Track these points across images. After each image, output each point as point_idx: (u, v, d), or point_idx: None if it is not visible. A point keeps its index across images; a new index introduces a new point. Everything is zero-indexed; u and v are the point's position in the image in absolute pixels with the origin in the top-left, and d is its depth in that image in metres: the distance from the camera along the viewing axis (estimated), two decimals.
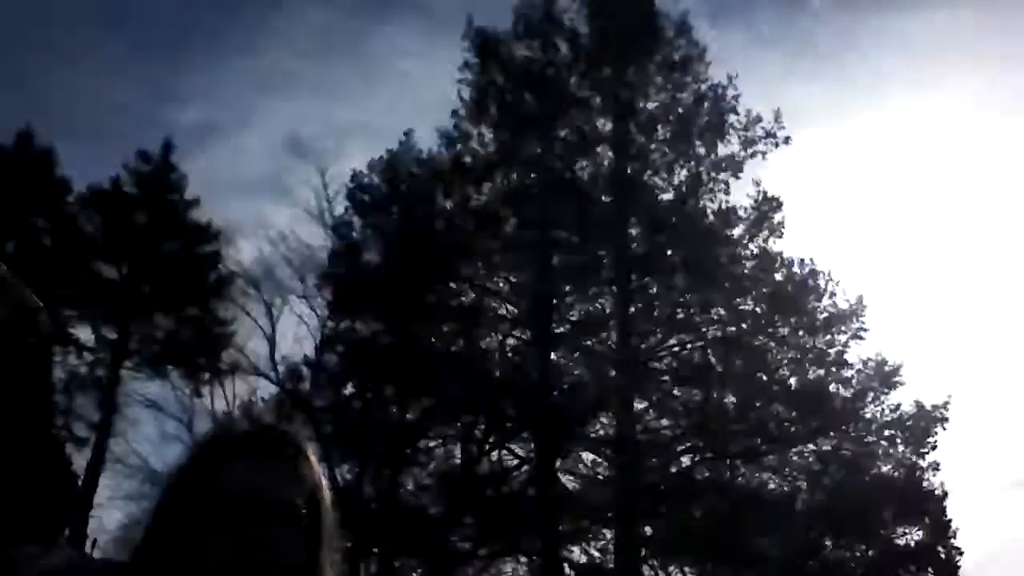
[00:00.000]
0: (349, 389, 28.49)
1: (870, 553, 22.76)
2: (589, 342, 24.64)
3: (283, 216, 40.86)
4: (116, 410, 31.95)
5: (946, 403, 22.90)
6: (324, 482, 1.40)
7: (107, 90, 47.37)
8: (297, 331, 40.89)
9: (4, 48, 45.54)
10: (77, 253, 33.39)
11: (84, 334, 33.50)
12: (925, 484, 22.77)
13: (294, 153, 37.32)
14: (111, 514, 33.67)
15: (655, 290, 23.99)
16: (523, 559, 24.95)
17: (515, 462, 26.64)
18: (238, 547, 1.26)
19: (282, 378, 29.25)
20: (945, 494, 22.74)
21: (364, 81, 49.35)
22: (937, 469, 22.93)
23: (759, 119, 24.40)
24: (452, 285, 25.28)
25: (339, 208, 27.03)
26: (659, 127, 25.14)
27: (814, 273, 23.68)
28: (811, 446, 23.11)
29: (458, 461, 27.69)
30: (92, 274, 33.68)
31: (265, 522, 1.28)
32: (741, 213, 23.95)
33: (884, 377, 23.07)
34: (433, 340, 25.75)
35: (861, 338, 23.51)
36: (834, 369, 23.40)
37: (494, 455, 27.04)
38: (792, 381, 23.41)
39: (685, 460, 23.29)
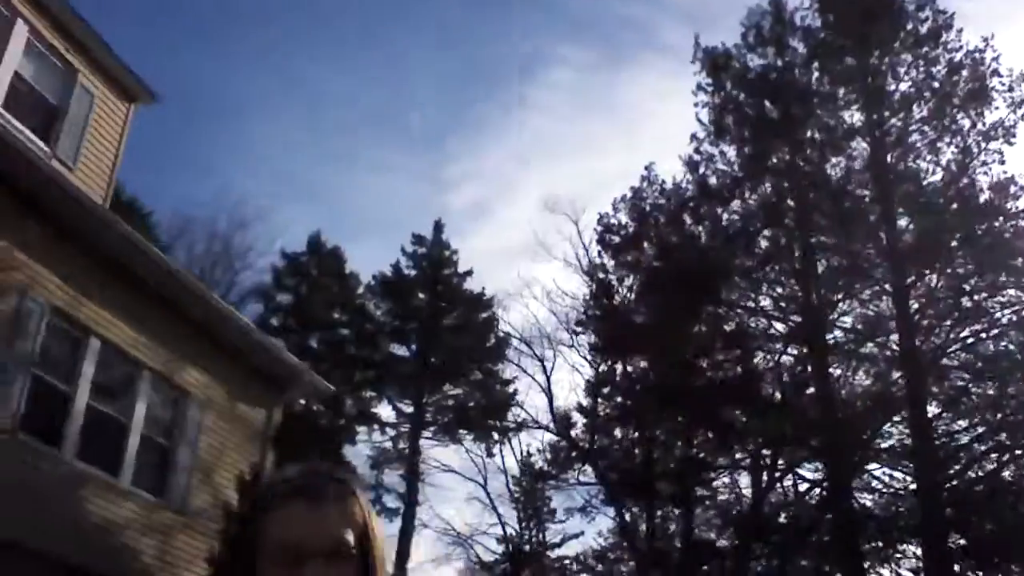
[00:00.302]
0: (616, 430, 28.30)
1: None
2: (869, 348, 22.82)
3: (549, 273, 42.20)
4: (419, 479, 33.77)
5: None
6: (374, 518, 1.46)
7: (382, 187, 51.45)
8: (571, 379, 42.19)
9: (292, 163, 50.77)
10: (371, 338, 36.07)
11: (385, 412, 36.04)
12: None
13: (551, 211, 38.14)
14: None
15: (934, 281, 21.84)
16: None
17: (806, 486, 25.07)
18: None
19: (560, 428, 29.62)
20: None
21: (616, 130, 49.94)
22: None
23: None
24: (714, 310, 24.45)
25: (593, 254, 27.33)
26: (915, 107, 23.20)
27: None
28: None
29: (746, 490, 26.53)
30: (386, 355, 36.21)
31: (316, 559, 1.34)
32: (1021, 182, 21.38)
33: None
34: (705, 369, 24.96)
35: None
36: None
37: (783, 480, 25.65)
38: None
39: (990, 462, 20.75)
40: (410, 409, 35.36)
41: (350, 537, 1.40)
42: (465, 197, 53.16)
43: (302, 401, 29.82)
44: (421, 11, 48.73)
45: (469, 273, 36.90)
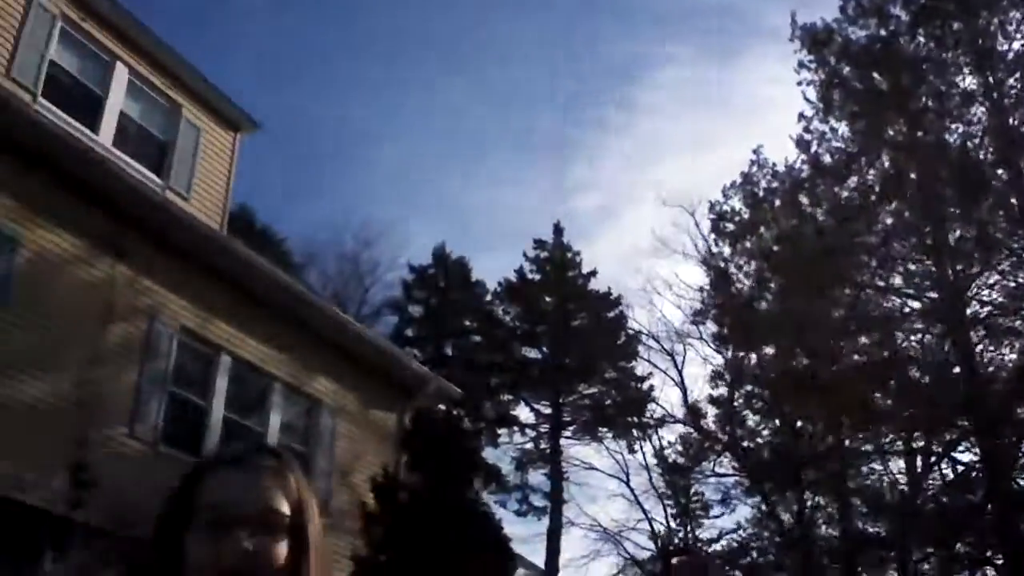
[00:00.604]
0: (751, 419, 27.86)
1: None
2: (1014, 319, 21.79)
3: (671, 268, 42.00)
4: (563, 478, 34.18)
5: None
6: (310, 493, 1.45)
7: (502, 197, 52.25)
8: (703, 371, 41.57)
9: (413, 180, 52.15)
10: (502, 343, 36.76)
11: (523, 414, 36.65)
12: None
13: (667, 206, 37.99)
14: (577, 574, 35.98)
15: None
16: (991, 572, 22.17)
17: (961, 469, 24.07)
18: (220, 553, 1.32)
19: (693, 420, 29.45)
20: None
21: (731, 121, 49.19)
22: None
23: None
24: (842, 292, 23.84)
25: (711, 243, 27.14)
26: None
27: None
28: None
29: (899, 477, 25.69)
30: (518, 359, 36.83)
31: (244, 528, 1.33)
32: None
33: None
34: (843, 353, 24.32)
35: None
36: None
37: (939, 465, 24.68)
38: None
39: None
40: (548, 410, 35.86)
41: (283, 508, 1.39)
42: (587, 201, 53.45)
43: (441, 406, 30.79)
44: (526, 23, 49.32)
45: (593, 273, 37.14)
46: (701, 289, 27.46)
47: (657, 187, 52.49)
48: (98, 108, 11.89)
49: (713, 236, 26.35)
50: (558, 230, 37.78)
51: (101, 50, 12.15)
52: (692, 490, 33.22)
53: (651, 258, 54.54)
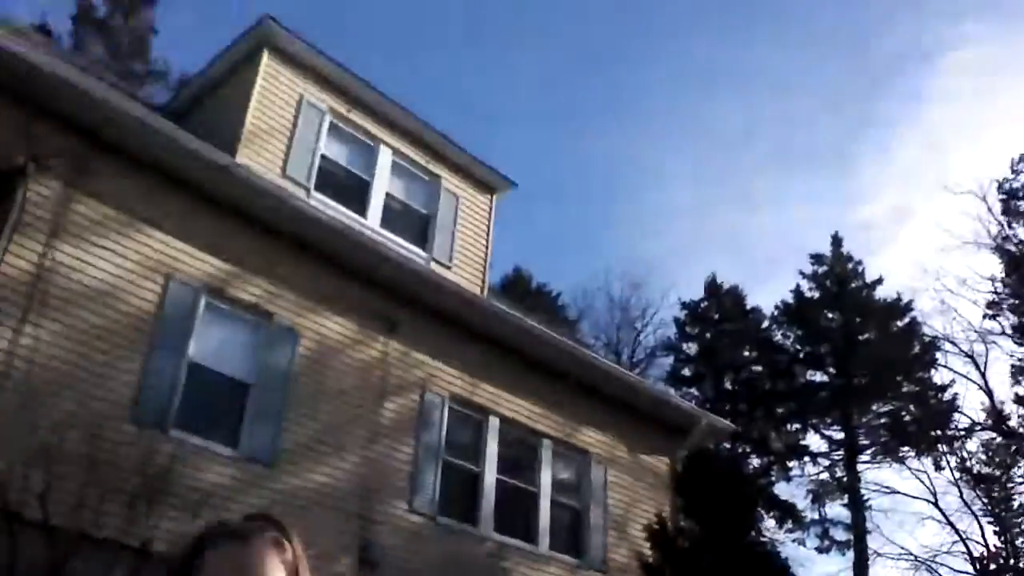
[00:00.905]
0: None
1: None
2: None
3: (963, 262, 38.33)
4: (864, 506, 31.92)
5: None
6: (304, 558, 1.53)
7: (779, 217, 50.20)
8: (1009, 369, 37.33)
9: (676, 214, 51.35)
10: (785, 369, 35.13)
11: (814, 442, 34.68)
12: None
13: (955, 194, 34.71)
14: None
15: None
16: None
17: None
18: None
19: (996, 424, 26.58)
20: None
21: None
22: None
23: None
24: None
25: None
26: None
27: None
28: None
29: None
30: (803, 384, 34.99)
31: None
32: None
33: None
34: None
35: None
36: None
37: None
38: None
39: None
40: (840, 435, 33.77)
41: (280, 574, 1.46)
42: (876, 207, 50.16)
43: (718, 444, 29.93)
44: (790, 27, 47.42)
45: (879, 282, 34.76)
46: (992, 279, 24.98)
47: (945, 179, 48.53)
48: (365, 192, 12.57)
49: (1005, 218, 23.89)
50: (836, 241, 35.78)
51: (366, 136, 12.85)
52: (1016, 503, 29.97)
53: (941, 255, 50.33)
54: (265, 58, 11.91)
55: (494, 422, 12.26)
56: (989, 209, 25.53)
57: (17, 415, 7.83)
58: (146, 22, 31.13)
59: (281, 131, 11.81)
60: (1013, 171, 23.04)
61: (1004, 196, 23.51)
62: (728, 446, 31.89)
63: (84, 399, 8.37)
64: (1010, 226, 23.99)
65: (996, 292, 25.04)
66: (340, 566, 9.94)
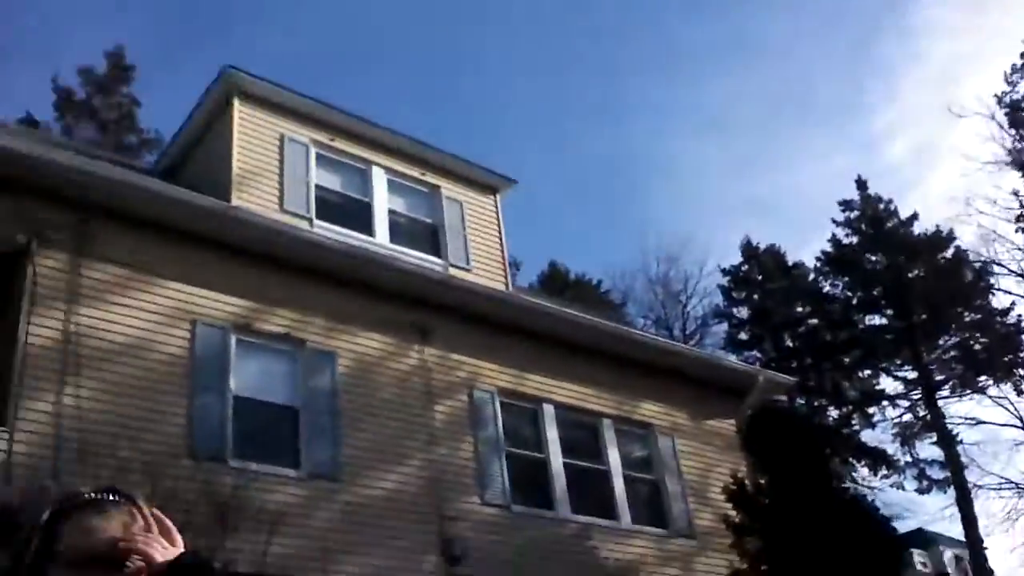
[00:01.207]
0: None
1: None
2: None
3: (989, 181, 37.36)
4: (955, 441, 31.04)
5: None
6: (155, 523, 1.58)
7: (802, 174, 49.72)
8: None
9: (703, 184, 51.04)
10: (843, 318, 34.39)
11: (889, 385, 33.89)
12: None
13: (959, 116, 33.84)
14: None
15: None
16: None
17: None
18: None
19: None
20: None
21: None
22: None
23: None
24: None
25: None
26: None
27: None
28: None
29: None
30: (865, 329, 34.24)
31: (98, 566, 1.49)
32: None
33: None
34: None
35: None
36: None
37: None
38: None
39: None
40: (913, 374, 32.97)
41: (131, 535, 1.52)
42: (897, 147, 49.42)
43: (800, 400, 29.38)
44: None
45: (915, 217, 34.06)
46: (1016, 193, 24.41)
47: (953, 104, 47.76)
48: (368, 213, 12.60)
49: (1014, 131, 23.40)
50: (861, 184, 35.11)
51: (356, 160, 12.92)
52: None
53: (965, 181, 49.21)
54: (237, 104, 12.02)
55: (549, 409, 12.16)
56: (1000, 126, 25.10)
57: (77, 470, 7.95)
58: (128, 97, 31.72)
59: (270, 170, 11.91)
60: (1008, 83, 22.63)
61: (1008, 109, 23.07)
62: (802, 401, 31.33)
63: (138, 444, 8.52)
64: (1021, 139, 23.49)
65: (1022, 205, 24.43)
66: (427, 564, 10.02)
